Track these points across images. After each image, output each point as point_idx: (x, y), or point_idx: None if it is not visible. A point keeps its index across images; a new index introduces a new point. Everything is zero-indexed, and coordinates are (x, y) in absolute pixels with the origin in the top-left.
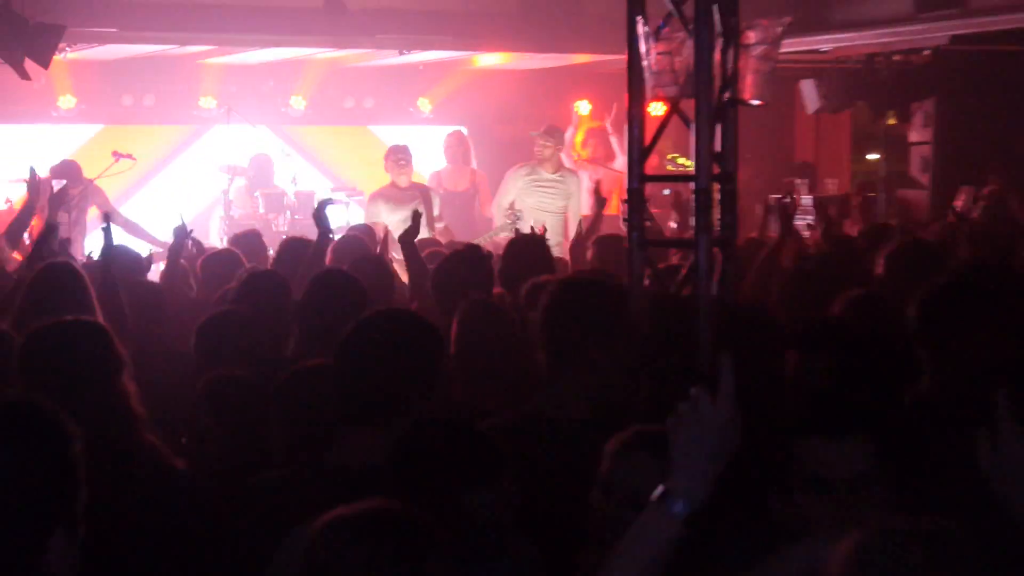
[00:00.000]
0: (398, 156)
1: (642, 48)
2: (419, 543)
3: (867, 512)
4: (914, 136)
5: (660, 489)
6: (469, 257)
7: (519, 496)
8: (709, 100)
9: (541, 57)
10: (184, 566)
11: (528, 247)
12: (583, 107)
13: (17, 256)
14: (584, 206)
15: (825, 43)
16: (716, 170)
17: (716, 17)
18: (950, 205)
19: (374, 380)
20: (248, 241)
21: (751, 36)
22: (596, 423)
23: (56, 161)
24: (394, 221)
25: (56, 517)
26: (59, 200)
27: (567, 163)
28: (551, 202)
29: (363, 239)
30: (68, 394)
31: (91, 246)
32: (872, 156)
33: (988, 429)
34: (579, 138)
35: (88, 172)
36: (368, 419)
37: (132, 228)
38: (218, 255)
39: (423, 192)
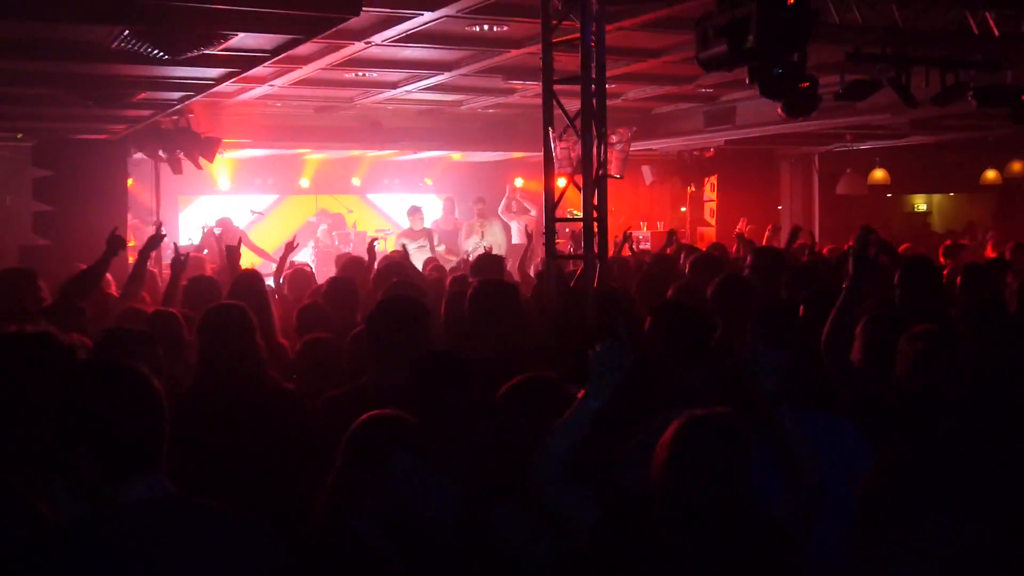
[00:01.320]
0: (413, 211)
1: (552, 146)
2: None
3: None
4: (706, 197)
5: (582, 392)
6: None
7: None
8: (590, 175)
9: (495, 153)
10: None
11: (487, 259)
12: (519, 181)
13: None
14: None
15: (655, 144)
16: (595, 215)
17: (593, 128)
18: (736, 232)
19: (391, 333)
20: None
21: (613, 138)
22: (501, 360)
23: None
24: (413, 248)
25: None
26: (158, 239)
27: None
28: (488, 239)
29: (397, 258)
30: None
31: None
32: (683, 209)
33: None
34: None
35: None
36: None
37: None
38: (302, 271)
39: (428, 232)
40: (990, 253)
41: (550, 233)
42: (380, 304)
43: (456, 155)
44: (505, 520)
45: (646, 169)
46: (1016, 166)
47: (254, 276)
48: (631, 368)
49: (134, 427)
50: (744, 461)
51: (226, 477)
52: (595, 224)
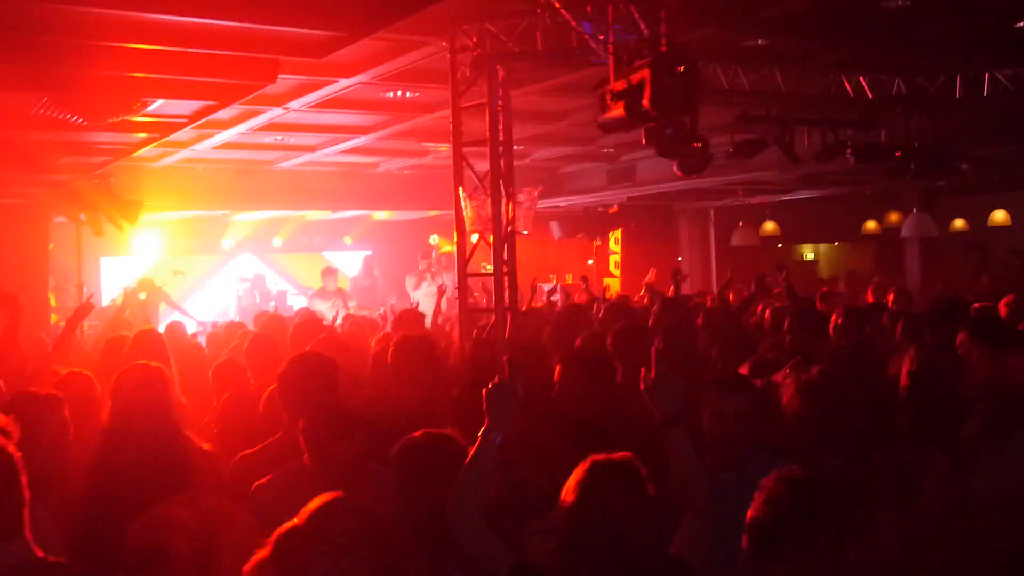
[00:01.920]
0: (328, 272)
1: (463, 205)
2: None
3: None
4: (611, 250)
5: (483, 428)
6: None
7: None
8: (500, 232)
9: (412, 212)
10: None
11: (409, 314)
12: (434, 239)
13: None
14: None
15: (561, 201)
16: (505, 269)
17: (502, 187)
18: (645, 282)
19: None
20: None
21: (520, 197)
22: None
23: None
24: (325, 307)
25: None
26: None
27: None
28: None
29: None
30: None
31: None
32: (589, 261)
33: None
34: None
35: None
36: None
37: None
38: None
39: (340, 291)
40: (870, 298)
41: (463, 288)
42: (291, 361)
43: (376, 214)
44: None
45: (554, 225)
46: (893, 216)
47: (154, 335)
48: (521, 401)
49: None
50: (643, 503)
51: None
52: (506, 278)
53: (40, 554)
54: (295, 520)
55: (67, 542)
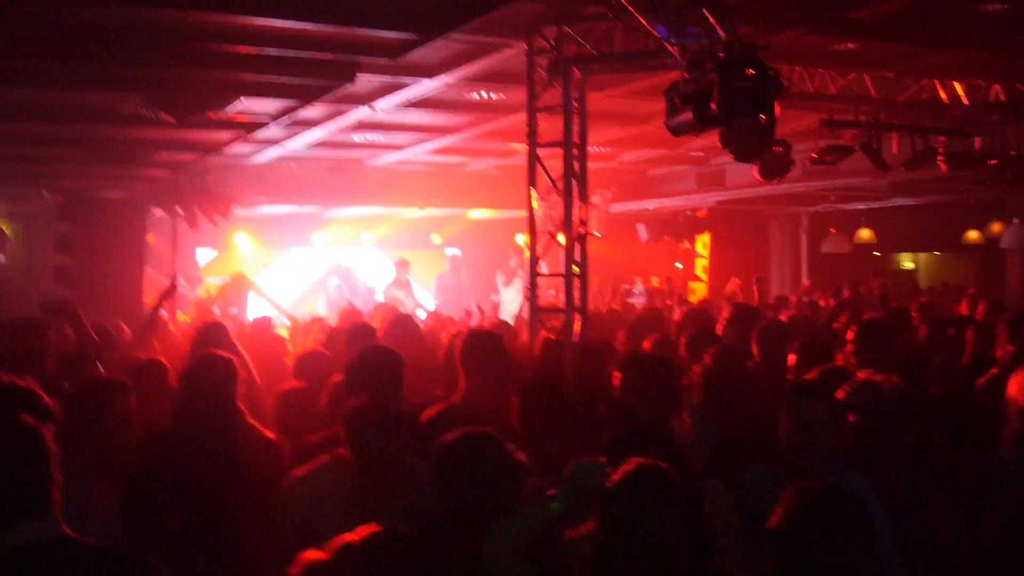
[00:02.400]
0: (400, 264)
1: (535, 206)
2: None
3: None
4: (698, 253)
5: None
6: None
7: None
8: (571, 233)
9: (500, 212)
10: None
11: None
12: (520, 239)
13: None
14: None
15: (649, 204)
16: (576, 271)
17: (575, 188)
18: (726, 295)
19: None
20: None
21: (594, 199)
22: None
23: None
24: (401, 295)
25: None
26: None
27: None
28: None
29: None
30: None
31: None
32: (678, 264)
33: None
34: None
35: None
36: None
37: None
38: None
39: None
40: (964, 310)
41: (533, 288)
42: (359, 352)
43: (468, 213)
44: None
45: (641, 227)
46: (996, 227)
47: (219, 328)
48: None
49: (16, 476)
50: (675, 513)
51: (200, 519)
52: (576, 279)
53: (69, 534)
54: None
55: (123, 524)
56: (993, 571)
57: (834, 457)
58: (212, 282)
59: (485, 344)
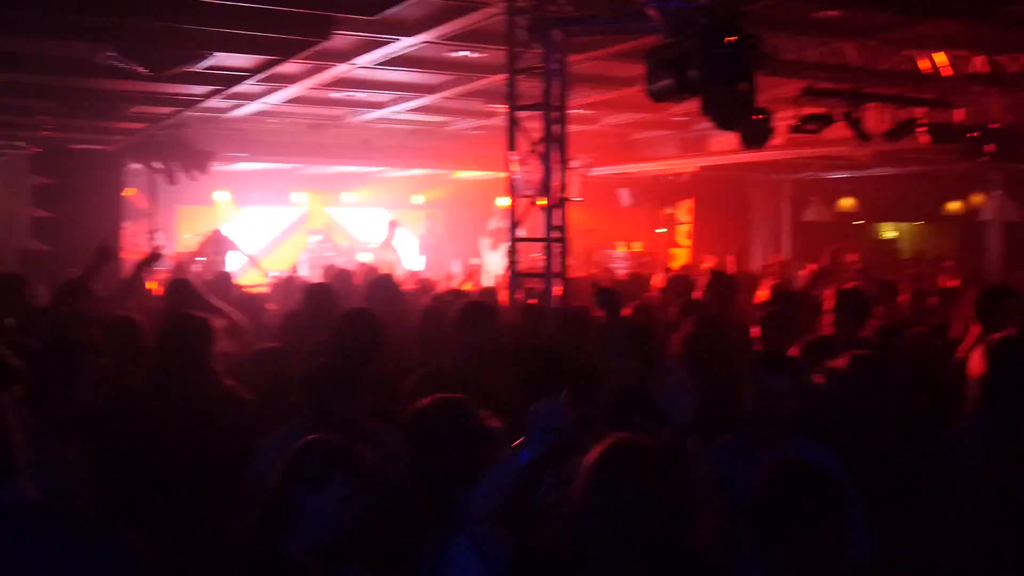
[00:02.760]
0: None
1: (514, 170)
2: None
3: None
4: (681, 219)
5: (516, 444)
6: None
7: None
8: (550, 197)
9: (480, 172)
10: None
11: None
12: (500, 200)
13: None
14: None
15: (631, 169)
16: (556, 235)
17: (555, 152)
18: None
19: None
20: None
21: (574, 163)
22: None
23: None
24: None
25: None
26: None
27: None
28: None
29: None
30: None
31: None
32: (660, 230)
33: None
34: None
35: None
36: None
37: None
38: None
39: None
40: (943, 283)
41: (513, 252)
42: (341, 316)
43: (450, 173)
44: (436, 547)
45: (624, 192)
46: (977, 198)
47: (186, 284)
48: (567, 429)
49: None
50: (653, 488)
51: (171, 481)
52: (556, 244)
53: (32, 497)
54: None
55: (100, 484)
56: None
57: (802, 428)
58: (191, 238)
59: (477, 312)
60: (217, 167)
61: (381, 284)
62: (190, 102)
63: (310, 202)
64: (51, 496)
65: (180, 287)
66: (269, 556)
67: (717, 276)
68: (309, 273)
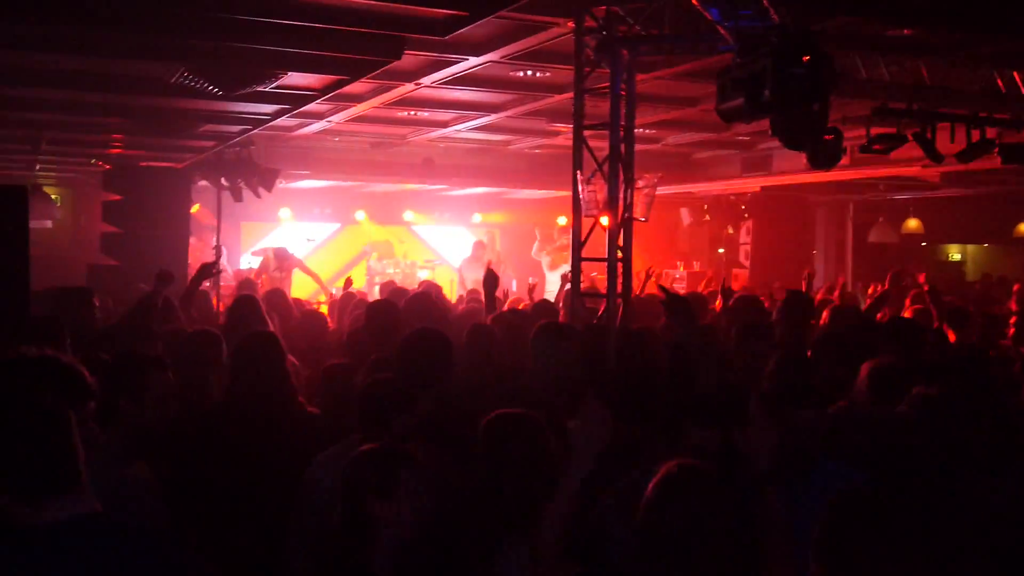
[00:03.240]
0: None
1: (580, 188)
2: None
3: None
4: (742, 239)
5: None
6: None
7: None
8: (616, 216)
9: (539, 192)
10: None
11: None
12: (562, 219)
13: None
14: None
15: (693, 188)
16: (620, 256)
17: (621, 172)
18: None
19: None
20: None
21: (640, 182)
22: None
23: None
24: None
25: None
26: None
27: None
28: None
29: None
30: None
31: None
32: (720, 250)
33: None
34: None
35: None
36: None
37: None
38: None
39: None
40: (1013, 305)
41: (576, 272)
42: (406, 338)
43: (513, 192)
44: (509, 561)
45: (684, 211)
46: None
47: (251, 301)
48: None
49: (36, 453)
50: (723, 518)
51: (244, 493)
52: (620, 264)
53: (96, 509)
54: None
55: (167, 502)
56: None
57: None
58: (254, 253)
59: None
60: (281, 184)
61: (417, 302)
62: (259, 121)
63: (366, 221)
64: (115, 512)
65: (245, 304)
66: (357, 572)
67: (794, 298)
68: (369, 291)
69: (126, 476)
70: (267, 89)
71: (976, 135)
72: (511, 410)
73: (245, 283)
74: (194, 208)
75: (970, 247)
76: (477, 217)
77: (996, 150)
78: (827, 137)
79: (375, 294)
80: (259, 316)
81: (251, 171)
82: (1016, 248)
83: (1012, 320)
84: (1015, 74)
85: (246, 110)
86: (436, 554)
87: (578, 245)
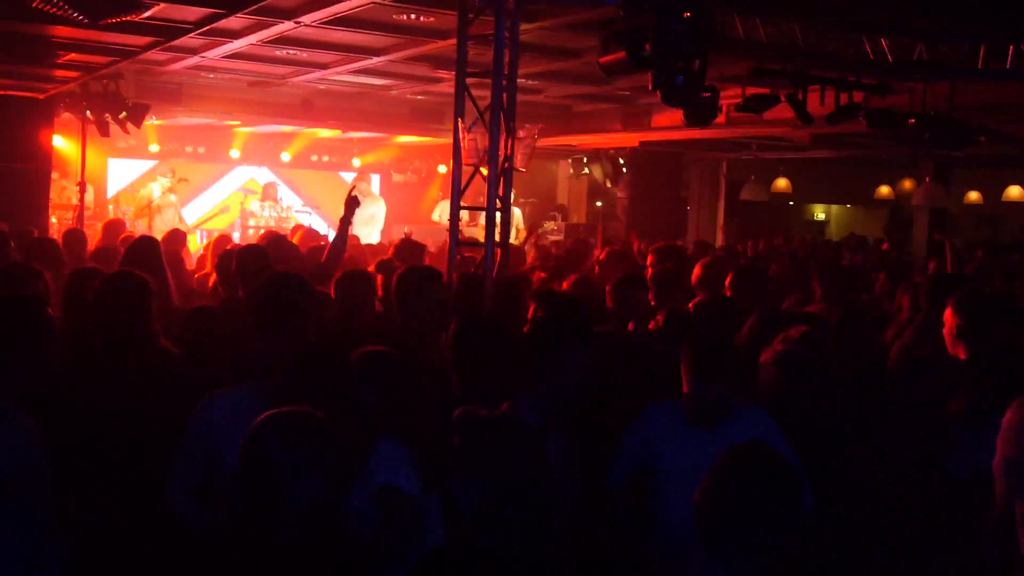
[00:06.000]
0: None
1: (461, 136)
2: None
3: None
4: (620, 193)
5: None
6: None
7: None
8: (496, 166)
9: (418, 137)
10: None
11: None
12: (442, 168)
13: None
14: None
15: (572, 141)
16: (499, 205)
17: (502, 121)
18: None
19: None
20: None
21: (521, 133)
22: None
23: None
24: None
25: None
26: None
27: None
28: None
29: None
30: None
31: None
32: (598, 203)
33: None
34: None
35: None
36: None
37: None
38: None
39: None
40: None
41: (454, 220)
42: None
43: (395, 138)
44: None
45: (565, 162)
46: (907, 184)
47: (149, 241)
48: None
49: None
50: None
51: (98, 433)
52: (498, 213)
53: None
54: None
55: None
56: None
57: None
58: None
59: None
60: (152, 120)
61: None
62: (128, 53)
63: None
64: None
65: (146, 247)
66: (264, 546)
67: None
68: (243, 235)
69: (20, 426)
70: (137, 20)
71: (844, 99)
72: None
73: (113, 225)
74: (58, 142)
75: (834, 208)
76: (356, 162)
77: (862, 114)
78: (704, 95)
79: (248, 238)
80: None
81: (119, 104)
82: (877, 210)
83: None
84: (883, 41)
85: (115, 40)
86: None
87: (458, 192)
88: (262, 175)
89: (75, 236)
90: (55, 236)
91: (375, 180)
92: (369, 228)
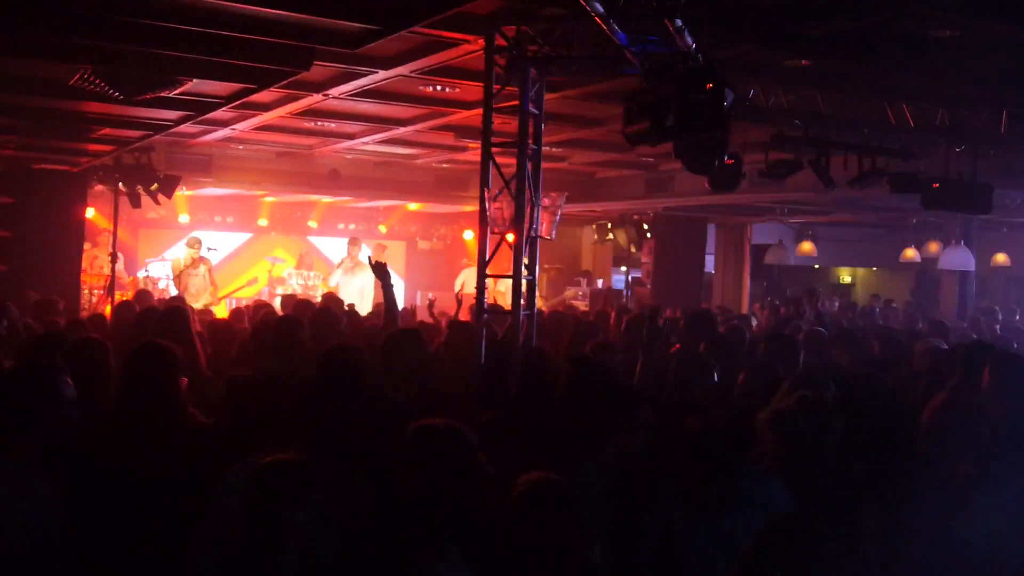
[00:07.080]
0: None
1: (487, 205)
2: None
3: None
4: (644, 258)
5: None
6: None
7: None
8: (522, 234)
9: (443, 205)
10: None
11: None
12: (468, 234)
13: None
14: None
15: (596, 207)
16: (526, 273)
17: (528, 190)
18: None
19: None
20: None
21: (546, 201)
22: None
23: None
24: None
25: None
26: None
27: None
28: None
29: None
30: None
31: None
32: (623, 268)
33: None
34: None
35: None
36: None
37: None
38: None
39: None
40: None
41: (480, 288)
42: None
43: (411, 205)
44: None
45: (588, 229)
46: (933, 246)
47: (177, 312)
48: None
49: None
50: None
51: (135, 505)
52: (525, 281)
53: None
54: None
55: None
56: None
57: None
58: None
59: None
60: (182, 191)
61: (320, 318)
62: (161, 127)
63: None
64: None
65: (176, 317)
66: None
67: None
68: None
69: (33, 492)
70: (171, 95)
71: (867, 163)
72: (436, 420)
73: (142, 294)
74: (90, 213)
75: (860, 271)
76: (383, 229)
77: (886, 179)
78: (728, 162)
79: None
80: (186, 331)
81: (151, 177)
82: (903, 273)
83: None
84: (904, 106)
85: (148, 115)
86: (347, 566)
87: (483, 261)
88: (291, 244)
89: (126, 307)
90: (85, 306)
91: (397, 248)
92: (362, 301)
